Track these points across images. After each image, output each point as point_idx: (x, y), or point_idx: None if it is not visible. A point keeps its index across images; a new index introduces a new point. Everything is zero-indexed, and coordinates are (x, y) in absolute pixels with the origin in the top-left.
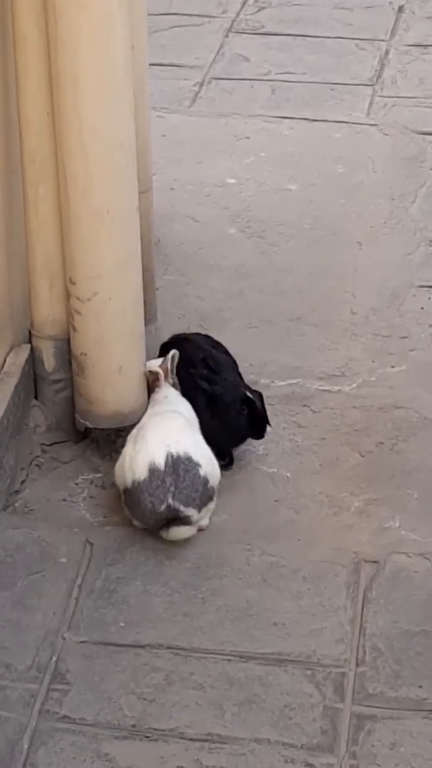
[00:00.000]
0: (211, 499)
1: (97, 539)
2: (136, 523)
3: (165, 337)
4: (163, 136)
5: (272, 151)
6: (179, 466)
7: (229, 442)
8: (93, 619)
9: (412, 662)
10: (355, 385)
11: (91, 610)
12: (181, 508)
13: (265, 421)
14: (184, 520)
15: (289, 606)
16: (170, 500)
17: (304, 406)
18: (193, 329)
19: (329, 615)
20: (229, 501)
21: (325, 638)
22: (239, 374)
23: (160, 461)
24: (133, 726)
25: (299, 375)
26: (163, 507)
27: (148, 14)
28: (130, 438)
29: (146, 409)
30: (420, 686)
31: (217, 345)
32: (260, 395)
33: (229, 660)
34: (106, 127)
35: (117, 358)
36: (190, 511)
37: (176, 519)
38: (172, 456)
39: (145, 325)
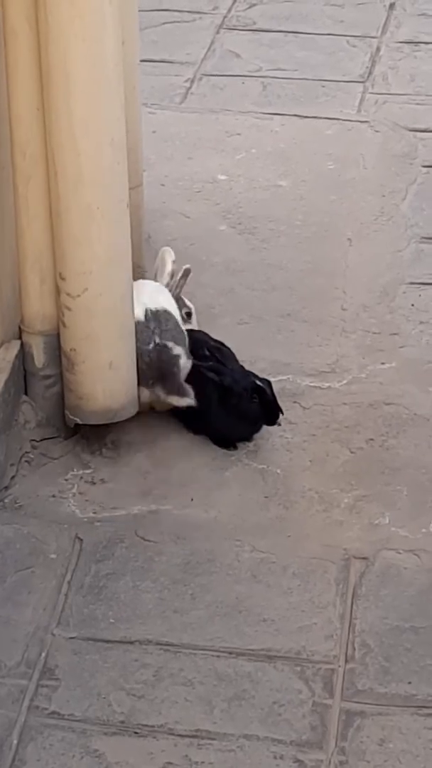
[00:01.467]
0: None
1: (87, 535)
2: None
3: None
4: (154, 132)
5: (263, 147)
6: (159, 315)
7: (244, 432)
8: (82, 615)
9: (401, 658)
10: (345, 382)
11: (80, 606)
12: (169, 344)
13: (277, 408)
14: (173, 366)
15: (278, 602)
16: (157, 339)
17: (294, 402)
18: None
19: (319, 611)
20: (219, 497)
21: (315, 634)
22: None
23: (140, 316)
24: (122, 722)
25: (289, 371)
26: (151, 346)
27: (140, 10)
28: None
29: (136, 405)
30: (409, 682)
31: (214, 340)
32: (269, 383)
33: (218, 656)
34: (97, 123)
35: (107, 354)
36: (178, 350)
37: (168, 364)
38: (150, 310)
39: None
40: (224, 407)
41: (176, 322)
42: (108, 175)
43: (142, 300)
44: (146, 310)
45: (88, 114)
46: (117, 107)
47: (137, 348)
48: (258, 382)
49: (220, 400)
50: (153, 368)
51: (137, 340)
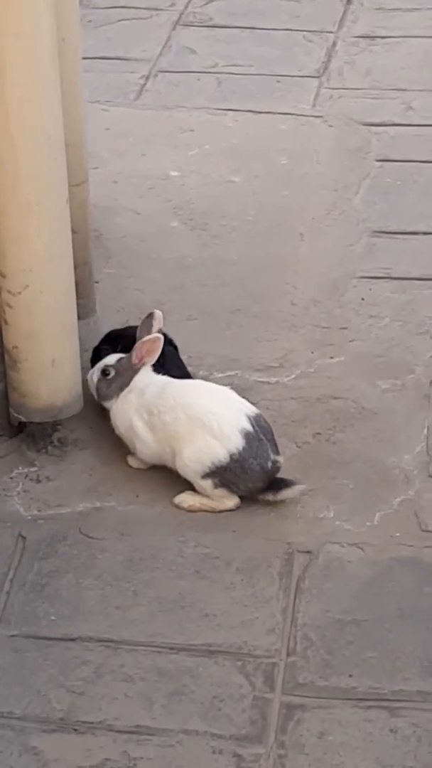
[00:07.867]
0: None
1: (30, 533)
2: (234, 496)
3: (104, 329)
4: (107, 129)
5: (216, 143)
6: (259, 420)
7: None
8: (24, 613)
9: (342, 651)
10: (293, 377)
11: (22, 603)
12: (279, 458)
13: None
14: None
15: (221, 597)
16: (272, 455)
17: (243, 397)
18: (133, 322)
19: (261, 605)
20: (164, 493)
21: (257, 629)
22: (182, 363)
23: (248, 425)
24: (61, 719)
25: (238, 367)
26: (270, 464)
27: (96, 8)
28: (179, 424)
29: (81, 403)
30: (350, 675)
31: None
32: None
33: (159, 652)
34: (34, 120)
35: (50, 351)
36: (280, 458)
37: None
38: (249, 417)
39: (84, 318)
40: None
41: (265, 419)
42: (46, 172)
43: (239, 405)
44: (248, 417)
45: (24, 111)
46: (54, 104)
47: (258, 465)
48: None
49: None
50: (265, 484)
51: (255, 457)
